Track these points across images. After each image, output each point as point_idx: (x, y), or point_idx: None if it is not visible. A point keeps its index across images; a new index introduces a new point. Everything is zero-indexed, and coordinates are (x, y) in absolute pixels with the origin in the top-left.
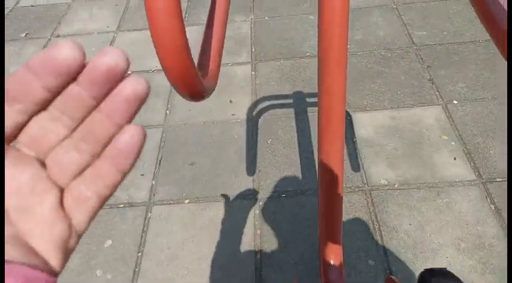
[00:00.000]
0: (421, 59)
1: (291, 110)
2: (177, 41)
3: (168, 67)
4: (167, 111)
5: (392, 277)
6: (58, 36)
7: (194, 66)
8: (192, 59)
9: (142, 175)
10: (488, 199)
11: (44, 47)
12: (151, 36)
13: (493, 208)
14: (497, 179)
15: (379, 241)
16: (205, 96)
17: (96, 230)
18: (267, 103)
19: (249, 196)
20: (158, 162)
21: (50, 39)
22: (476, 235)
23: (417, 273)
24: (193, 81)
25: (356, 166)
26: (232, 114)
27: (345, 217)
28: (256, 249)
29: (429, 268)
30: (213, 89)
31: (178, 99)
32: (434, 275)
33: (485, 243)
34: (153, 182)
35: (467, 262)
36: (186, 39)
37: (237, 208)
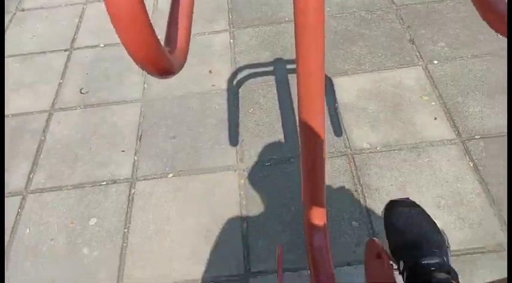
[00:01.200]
0: (402, 19)
1: (272, 78)
2: (135, 15)
3: (129, 45)
4: (145, 85)
5: (374, 239)
6: (23, 10)
7: (158, 42)
8: (155, 34)
9: (123, 151)
10: (467, 157)
11: (9, 21)
12: (106, 9)
13: (471, 165)
14: (476, 137)
15: (362, 203)
16: (174, 73)
17: (79, 208)
18: (247, 72)
19: (233, 166)
20: (139, 137)
21: (14, 14)
22: (455, 192)
23: None
24: (159, 58)
25: (338, 131)
26: (212, 85)
27: (329, 182)
28: (243, 219)
29: (393, 200)
30: (183, 64)
31: None
32: (396, 205)
33: (464, 200)
34: (135, 158)
35: (447, 218)
36: (146, 13)
37: (221, 179)
